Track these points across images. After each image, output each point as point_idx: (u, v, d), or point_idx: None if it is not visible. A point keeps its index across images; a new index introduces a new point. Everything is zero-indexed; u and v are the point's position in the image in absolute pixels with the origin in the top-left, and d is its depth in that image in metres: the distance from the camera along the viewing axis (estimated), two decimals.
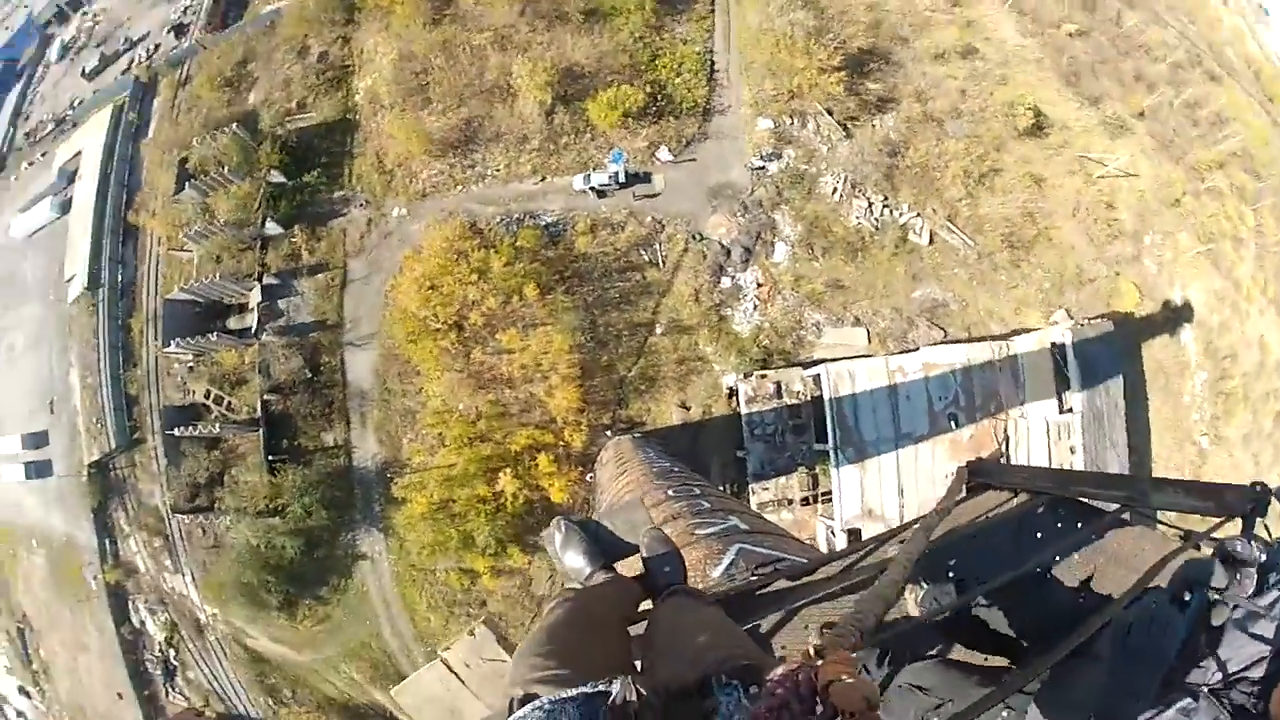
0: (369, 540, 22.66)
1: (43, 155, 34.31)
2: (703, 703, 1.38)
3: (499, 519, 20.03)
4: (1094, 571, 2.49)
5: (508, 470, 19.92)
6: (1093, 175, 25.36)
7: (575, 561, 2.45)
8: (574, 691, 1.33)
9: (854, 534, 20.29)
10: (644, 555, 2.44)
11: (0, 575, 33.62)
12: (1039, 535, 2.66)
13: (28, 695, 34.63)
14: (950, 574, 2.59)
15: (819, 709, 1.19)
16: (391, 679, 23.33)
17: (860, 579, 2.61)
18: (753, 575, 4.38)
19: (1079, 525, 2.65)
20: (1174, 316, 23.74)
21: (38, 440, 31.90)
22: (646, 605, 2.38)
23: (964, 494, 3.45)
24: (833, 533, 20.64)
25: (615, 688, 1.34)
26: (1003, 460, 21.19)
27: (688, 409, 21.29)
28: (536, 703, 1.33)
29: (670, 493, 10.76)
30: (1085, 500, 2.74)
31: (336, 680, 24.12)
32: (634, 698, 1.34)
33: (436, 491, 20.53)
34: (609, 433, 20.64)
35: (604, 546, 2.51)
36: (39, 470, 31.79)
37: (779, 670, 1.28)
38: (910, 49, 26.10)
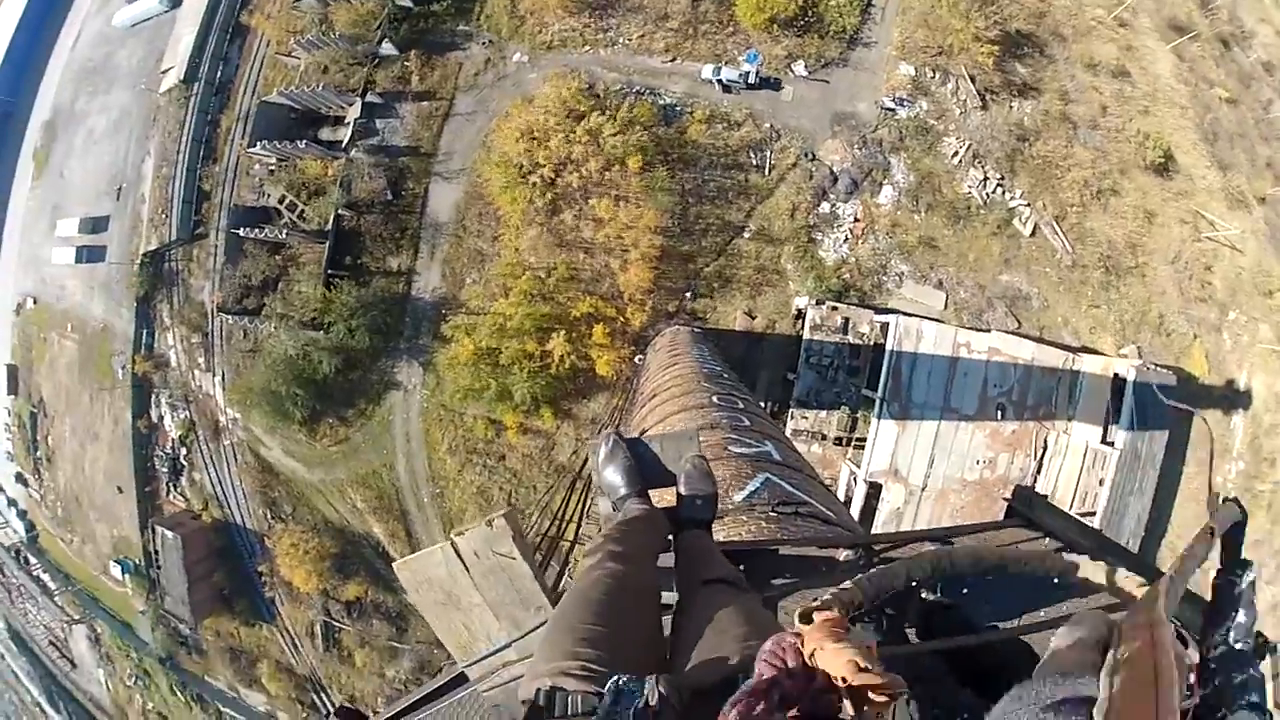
0: (407, 371, 22.61)
1: None
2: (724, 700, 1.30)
3: (540, 378, 19.86)
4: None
5: (561, 332, 19.67)
6: (1200, 233, 24.93)
7: (614, 478, 2.43)
8: (597, 694, 1.27)
9: (875, 487, 20.40)
10: (680, 489, 2.39)
11: (27, 356, 34.27)
12: (1055, 580, 2.55)
13: (24, 483, 35.46)
14: (964, 590, 2.51)
15: (814, 683, 1.08)
16: (394, 514, 23.47)
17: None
18: (773, 510, 4.40)
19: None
20: (1232, 398, 23.48)
21: (96, 225, 32.19)
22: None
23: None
24: (855, 479, 20.62)
25: (645, 687, 1.26)
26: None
27: (753, 318, 20.94)
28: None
29: (715, 399, 10.47)
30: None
31: (339, 504, 24.32)
32: (656, 701, 1.26)
33: (486, 338, 20.36)
34: (671, 320, 20.28)
35: (645, 471, 2.47)
36: (90, 255, 32.10)
37: (766, 645, 1.18)
38: (1066, 49, 25.61)
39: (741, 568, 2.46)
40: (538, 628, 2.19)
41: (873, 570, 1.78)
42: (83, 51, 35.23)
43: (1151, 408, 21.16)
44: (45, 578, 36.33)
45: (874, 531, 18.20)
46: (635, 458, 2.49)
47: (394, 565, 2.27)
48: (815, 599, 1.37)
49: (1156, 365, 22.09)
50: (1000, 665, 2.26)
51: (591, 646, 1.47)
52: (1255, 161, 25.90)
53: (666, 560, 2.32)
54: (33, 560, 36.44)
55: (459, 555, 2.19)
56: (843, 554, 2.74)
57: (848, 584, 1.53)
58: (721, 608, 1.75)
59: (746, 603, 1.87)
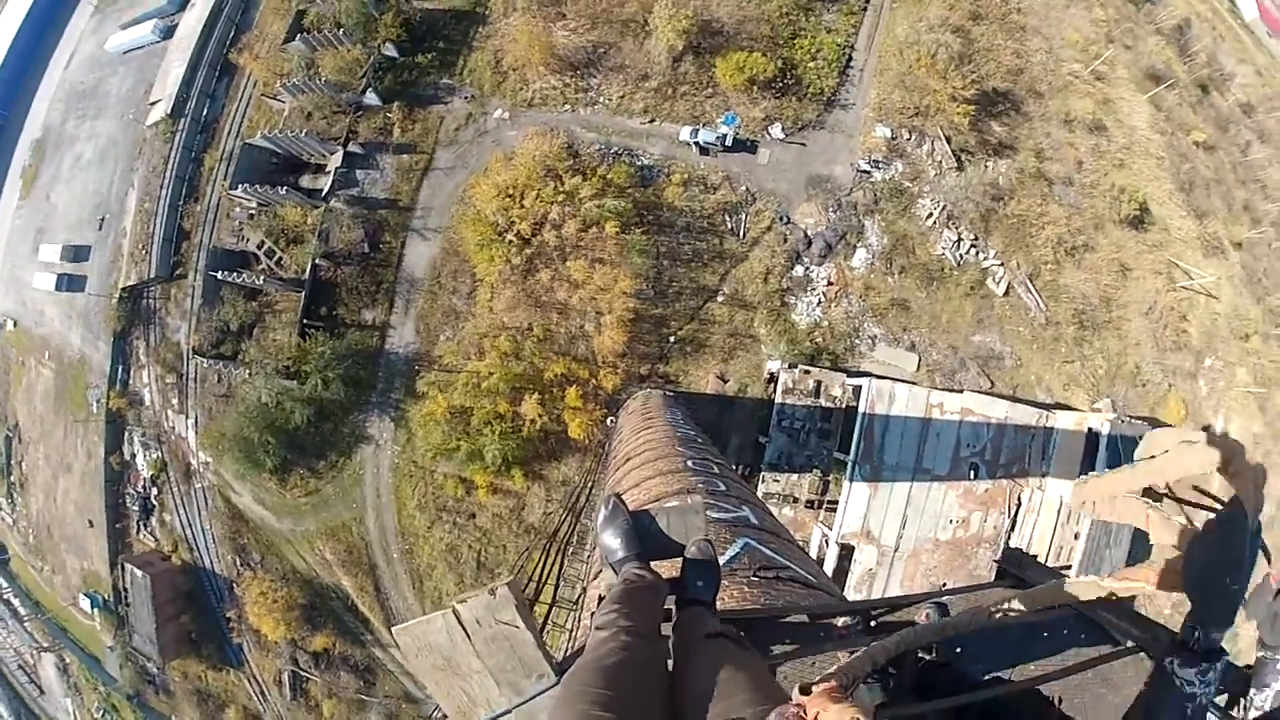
0: (379, 426, 22.46)
1: None
2: None
3: (512, 439, 19.77)
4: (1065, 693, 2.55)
5: (534, 395, 19.63)
6: (1175, 283, 25.31)
7: (612, 542, 2.50)
8: None
9: (847, 549, 20.41)
10: (687, 557, 2.46)
11: (5, 379, 33.87)
12: (1045, 635, 2.68)
13: None
14: (957, 649, 2.61)
15: None
16: (363, 568, 23.18)
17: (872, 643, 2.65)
18: (754, 575, 4.49)
19: (1084, 638, 2.70)
20: None
21: (78, 254, 31.99)
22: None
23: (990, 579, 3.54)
24: (827, 542, 20.58)
25: None
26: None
27: (725, 381, 21.01)
28: None
29: (690, 464, 10.45)
30: (1103, 624, 2.76)
31: (308, 555, 24.00)
32: None
33: (460, 397, 20.27)
34: (644, 383, 20.28)
35: (645, 539, 2.52)
36: (70, 284, 31.87)
37: (770, 715, 1.27)
38: (1043, 105, 25.97)
39: (742, 634, 2.49)
40: (539, 694, 2.23)
41: (863, 650, 1.85)
42: (75, 73, 35.29)
43: (1125, 460, 21.49)
44: (15, 602, 35.72)
45: (846, 593, 18.16)
46: (640, 529, 2.53)
47: (393, 630, 2.29)
48: (823, 667, 1.36)
49: (1130, 417, 22.27)
50: (1003, 715, 2.37)
51: (605, 710, 1.51)
52: (1232, 206, 26.33)
53: (665, 629, 2.37)
54: (4, 584, 35.83)
55: (460, 623, 2.22)
56: (841, 621, 2.80)
57: (857, 654, 1.63)
58: (725, 664, 1.79)
59: (752, 664, 1.89)
